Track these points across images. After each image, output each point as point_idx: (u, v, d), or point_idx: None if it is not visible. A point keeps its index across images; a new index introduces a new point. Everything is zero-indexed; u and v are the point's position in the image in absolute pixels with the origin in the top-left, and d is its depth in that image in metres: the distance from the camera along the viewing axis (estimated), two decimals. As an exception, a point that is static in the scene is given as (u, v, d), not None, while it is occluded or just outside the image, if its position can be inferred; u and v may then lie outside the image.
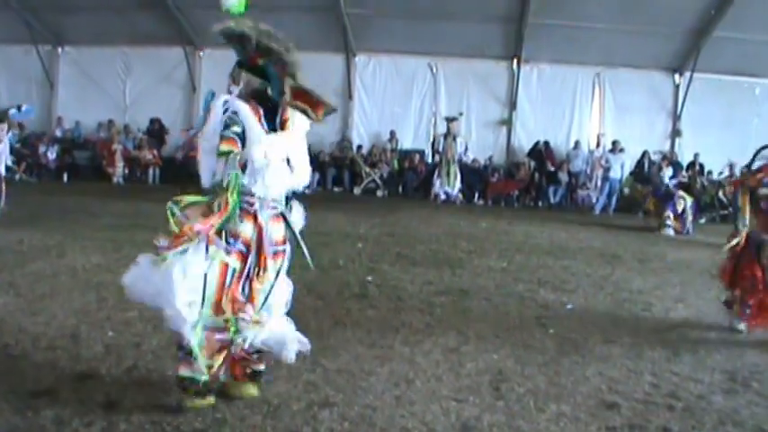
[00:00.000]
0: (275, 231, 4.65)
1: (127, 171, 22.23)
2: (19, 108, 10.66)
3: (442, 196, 20.69)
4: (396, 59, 23.31)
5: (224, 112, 4.54)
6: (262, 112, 4.65)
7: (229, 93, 4.88)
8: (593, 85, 23.00)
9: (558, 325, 7.08)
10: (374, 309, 7.32)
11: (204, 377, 4.46)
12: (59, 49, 24.44)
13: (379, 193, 22.07)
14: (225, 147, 4.42)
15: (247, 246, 4.54)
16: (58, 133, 23.69)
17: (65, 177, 22.40)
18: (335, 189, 22.56)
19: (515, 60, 22.74)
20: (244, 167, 4.44)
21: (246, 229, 4.52)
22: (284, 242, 4.74)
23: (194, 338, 4.38)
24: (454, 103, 22.61)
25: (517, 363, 5.77)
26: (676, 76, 22.78)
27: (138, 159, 22.41)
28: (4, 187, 12.16)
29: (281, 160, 4.57)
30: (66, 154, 23.04)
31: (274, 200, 4.64)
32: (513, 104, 22.98)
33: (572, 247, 12.89)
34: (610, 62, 22.36)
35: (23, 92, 23.19)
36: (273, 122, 4.66)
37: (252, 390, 4.78)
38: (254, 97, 4.71)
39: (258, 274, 4.59)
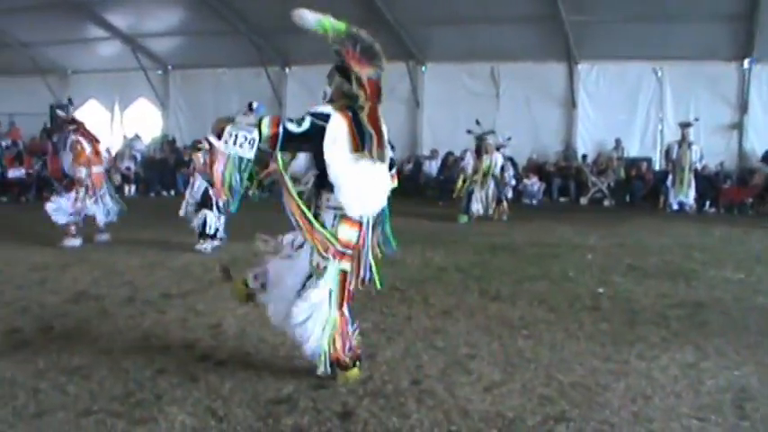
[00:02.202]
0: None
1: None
2: (250, 106, 11.07)
3: (675, 206, 20.09)
4: (619, 66, 22.80)
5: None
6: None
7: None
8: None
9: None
10: (607, 321, 7.19)
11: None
12: (287, 70, 25.64)
13: (606, 202, 21.68)
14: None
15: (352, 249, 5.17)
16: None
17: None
18: (561, 199, 22.35)
19: (746, 60, 21.82)
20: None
21: (352, 236, 5.14)
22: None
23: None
24: (681, 109, 21.84)
25: (761, 381, 5.50)
26: None
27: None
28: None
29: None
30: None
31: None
32: (744, 107, 22.05)
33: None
34: None
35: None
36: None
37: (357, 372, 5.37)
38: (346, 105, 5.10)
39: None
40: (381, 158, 5.09)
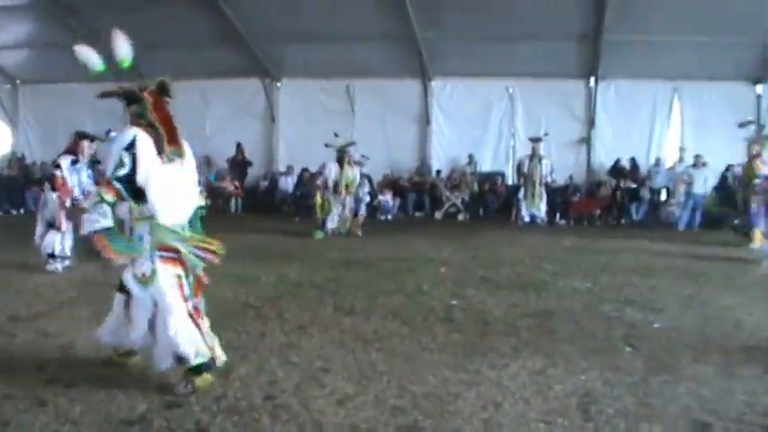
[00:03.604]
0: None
1: (209, 202, 22.38)
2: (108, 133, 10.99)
3: (527, 218, 20.59)
4: (472, 82, 23.29)
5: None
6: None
7: None
8: (671, 100, 22.69)
9: (645, 344, 6.97)
10: (460, 332, 7.29)
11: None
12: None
13: (461, 216, 22.06)
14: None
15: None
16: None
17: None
18: (416, 214, 22.65)
19: (592, 78, 22.60)
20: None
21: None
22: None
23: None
24: (532, 124, 22.49)
25: (605, 384, 5.69)
26: (758, 87, 22.35)
27: (220, 190, 22.71)
28: None
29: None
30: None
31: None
32: (591, 122, 22.83)
33: (657, 265, 12.68)
34: (687, 75, 21.98)
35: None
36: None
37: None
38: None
39: None
40: (179, 155, 5.38)
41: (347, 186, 16.61)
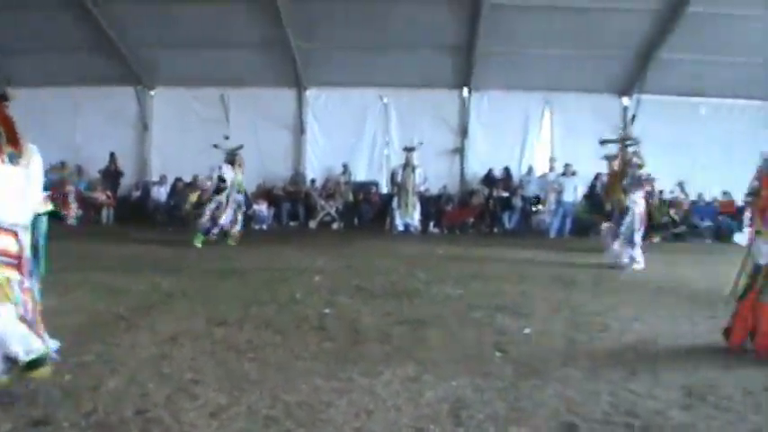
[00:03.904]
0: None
1: (81, 212, 21.99)
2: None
3: (401, 227, 20.76)
4: (347, 92, 23.46)
5: None
6: None
7: None
8: (542, 110, 23.30)
9: (516, 350, 7.12)
10: (333, 341, 7.29)
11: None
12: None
13: (335, 225, 22.13)
14: None
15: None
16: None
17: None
18: (291, 223, 22.59)
19: (466, 89, 22.98)
20: None
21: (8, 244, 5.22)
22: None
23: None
24: (406, 134, 22.69)
25: (476, 389, 5.77)
26: (624, 99, 23.19)
27: (92, 200, 22.26)
28: None
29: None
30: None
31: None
32: (464, 132, 23.20)
33: (528, 272, 12.97)
34: (558, 87, 22.76)
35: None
36: None
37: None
38: None
39: None
40: (18, 157, 5.26)
41: (238, 190, 16.47)
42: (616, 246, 13.91)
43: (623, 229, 13.86)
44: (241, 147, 17.19)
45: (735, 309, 7.36)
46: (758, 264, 7.28)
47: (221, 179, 16.40)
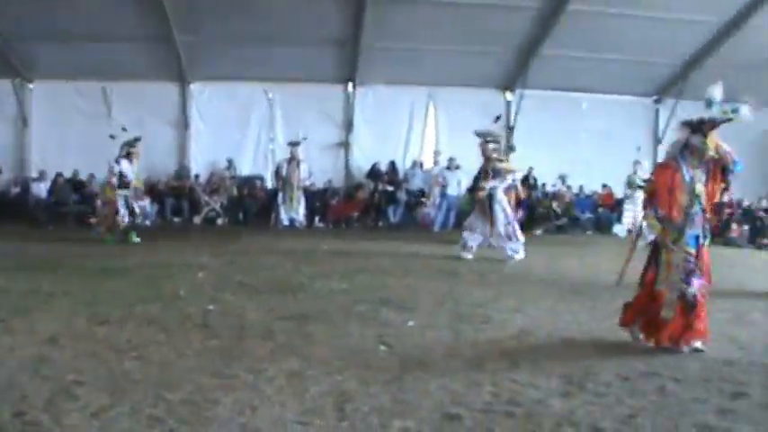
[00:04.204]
0: None
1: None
2: None
3: (286, 222, 20.71)
4: (231, 86, 23.25)
5: None
6: None
7: None
8: (426, 105, 23.52)
9: (400, 343, 7.23)
10: (217, 338, 7.28)
11: None
12: None
13: (220, 221, 21.96)
14: None
15: None
16: None
17: None
18: (175, 219, 22.25)
19: (351, 83, 23.06)
20: None
21: None
22: None
23: None
24: (291, 128, 22.59)
25: (361, 383, 5.84)
26: (507, 93, 23.66)
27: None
28: None
29: None
30: None
31: None
32: (349, 127, 23.27)
33: (413, 265, 13.13)
34: (443, 82, 23.05)
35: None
36: None
37: None
38: None
39: None
40: None
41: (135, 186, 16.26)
42: (467, 237, 14.20)
43: (498, 223, 14.12)
44: (139, 139, 16.70)
45: (636, 292, 7.54)
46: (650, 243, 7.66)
47: (122, 174, 16.04)
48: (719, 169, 7.22)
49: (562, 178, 22.87)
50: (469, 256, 14.09)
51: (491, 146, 14.56)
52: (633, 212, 19.93)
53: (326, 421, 5.00)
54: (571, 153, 23.45)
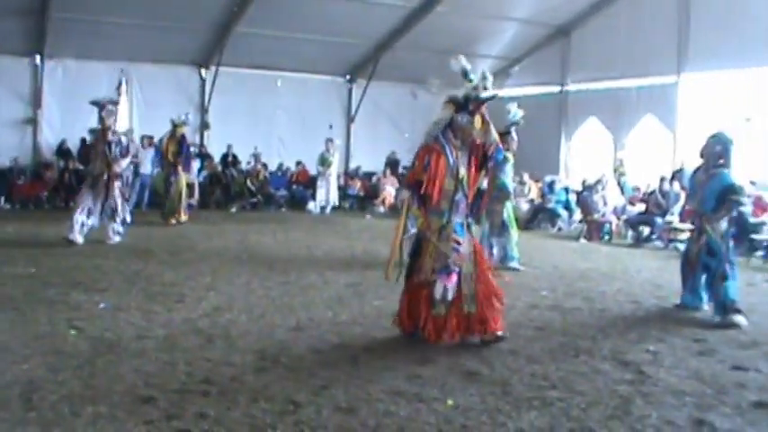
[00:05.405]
0: None
1: None
2: None
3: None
4: None
5: None
6: None
7: None
8: (119, 81, 22.85)
9: (91, 326, 7.09)
10: None
11: None
12: None
13: None
14: None
15: None
16: None
17: None
18: None
19: (38, 56, 21.99)
20: None
21: None
22: None
23: None
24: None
25: (49, 370, 5.66)
26: (203, 71, 23.58)
27: None
28: None
29: None
30: None
31: None
32: (38, 102, 22.21)
33: (102, 246, 12.73)
34: (136, 58, 22.48)
35: None
36: None
37: None
38: None
39: None
40: None
41: None
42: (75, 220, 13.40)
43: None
44: None
45: (402, 292, 7.15)
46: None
47: None
48: (480, 157, 6.97)
49: (255, 156, 23.01)
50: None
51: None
52: (325, 189, 20.52)
53: (13, 413, 4.81)
54: (267, 130, 23.89)
